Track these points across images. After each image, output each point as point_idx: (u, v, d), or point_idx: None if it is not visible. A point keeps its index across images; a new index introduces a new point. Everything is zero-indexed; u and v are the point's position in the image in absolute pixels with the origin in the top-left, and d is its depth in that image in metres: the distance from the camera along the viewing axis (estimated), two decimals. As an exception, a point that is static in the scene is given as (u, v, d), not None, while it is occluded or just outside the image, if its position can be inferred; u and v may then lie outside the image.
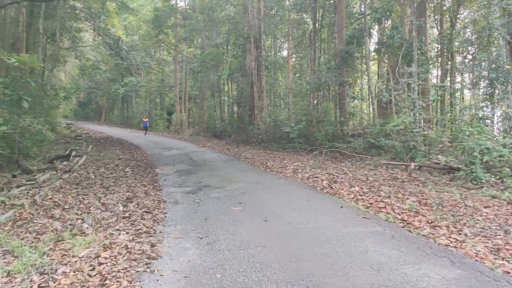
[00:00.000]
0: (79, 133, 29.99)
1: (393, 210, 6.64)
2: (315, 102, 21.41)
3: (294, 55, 35.03)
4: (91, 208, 7.44)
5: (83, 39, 39.63)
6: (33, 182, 10.09)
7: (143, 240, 5.21)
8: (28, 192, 9.09)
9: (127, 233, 5.58)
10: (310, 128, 18.80)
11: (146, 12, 38.66)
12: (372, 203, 7.15)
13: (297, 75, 35.49)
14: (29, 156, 15.42)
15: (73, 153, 16.87)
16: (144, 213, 6.81)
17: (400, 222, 5.84)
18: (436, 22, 24.00)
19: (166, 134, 34.07)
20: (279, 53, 33.93)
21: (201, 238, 5.27)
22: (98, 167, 13.37)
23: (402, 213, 6.43)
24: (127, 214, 6.70)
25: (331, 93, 21.13)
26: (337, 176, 10.77)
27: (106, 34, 21.22)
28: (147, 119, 36.31)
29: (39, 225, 6.41)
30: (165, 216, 6.62)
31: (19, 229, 6.19)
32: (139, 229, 5.77)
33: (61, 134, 26.45)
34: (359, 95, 20.89)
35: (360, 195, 7.92)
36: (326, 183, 9.34)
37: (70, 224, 6.34)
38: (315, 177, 10.33)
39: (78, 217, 6.75)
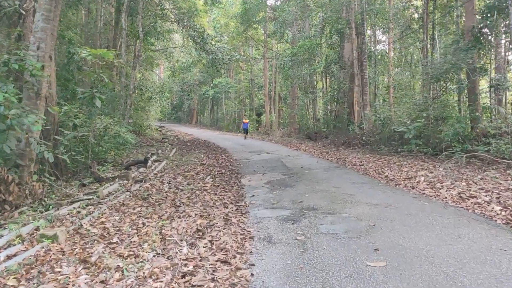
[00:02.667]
0: (167, 136, 28.99)
1: None
2: (433, 95, 17.49)
3: (394, 46, 30.88)
4: (146, 244, 5.00)
5: (172, 40, 39.40)
6: (91, 197, 8.06)
7: None
8: (79, 212, 7.01)
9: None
10: (430, 126, 15.04)
11: (235, 10, 36.94)
12: None
13: (397, 68, 31.27)
14: (106, 161, 13.92)
15: (153, 157, 15.10)
16: (218, 264, 4.15)
17: None
18: None
19: (255, 136, 31.93)
20: (378, 46, 29.87)
21: None
22: (176, 175, 11.21)
23: None
24: (190, 267, 4.07)
25: (454, 83, 17.08)
26: (499, 193, 7.27)
27: (190, 27, 19.41)
28: (247, 120, 30.02)
29: (60, 277, 4.07)
30: (252, 275, 3.87)
31: (24, 286, 3.89)
32: (203, 314, 3.09)
33: (148, 137, 25.49)
34: (498, 83, 16.49)
35: None
36: (505, 211, 5.93)
37: (102, 282, 3.89)
38: (472, 197, 6.93)
39: (120, 264, 4.30)
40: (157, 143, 21.99)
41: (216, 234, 5.22)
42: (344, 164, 12.48)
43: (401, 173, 10.14)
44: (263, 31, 36.08)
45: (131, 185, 9.80)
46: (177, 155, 16.80)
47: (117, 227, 6.04)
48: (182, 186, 9.40)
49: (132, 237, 5.43)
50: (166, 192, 8.82)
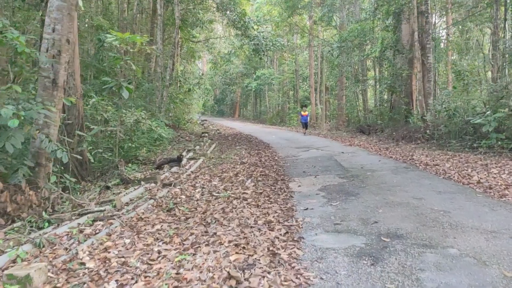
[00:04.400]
0: (207, 130, 27.61)
1: None
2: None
3: (454, 30, 27.78)
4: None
5: (214, 31, 38.04)
6: (104, 209, 6.48)
7: None
8: (82, 231, 5.43)
9: None
10: (514, 117, 12.48)
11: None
12: None
13: (456, 55, 28.14)
14: (137, 159, 12.52)
15: (189, 154, 13.55)
16: None
17: None
18: None
19: (301, 129, 29.89)
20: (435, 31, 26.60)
21: None
22: (212, 177, 9.52)
23: None
24: None
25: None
26: None
27: (230, 11, 17.65)
28: (306, 112, 24.29)
29: None
30: None
31: None
32: None
33: (187, 131, 24.13)
34: None
35: None
36: None
37: None
38: None
39: None
40: (196, 138, 20.53)
41: (258, 284, 3.40)
42: (414, 163, 10.29)
43: (494, 177, 7.91)
44: (308, 18, 33.85)
45: (157, 190, 8.19)
46: (216, 152, 15.20)
47: (122, 257, 4.37)
48: (217, 192, 7.67)
49: (137, 280, 3.73)
50: (197, 200, 7.13)
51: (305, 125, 24.19)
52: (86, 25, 15.35)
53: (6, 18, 9.20)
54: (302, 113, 24.51)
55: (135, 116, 13.02)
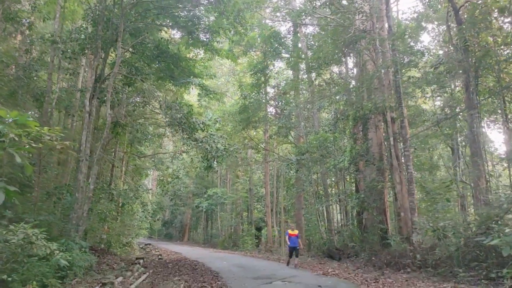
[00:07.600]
0: (146, 255, 23.07)
1: None
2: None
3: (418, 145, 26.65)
4: None
5: (163, 146, 35.67)
6: None
7: None
8: None
9: None
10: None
11: (233, 109, 33.26)
12: None
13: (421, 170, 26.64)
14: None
15: (100, 291, 9.35)
16: None
17: None
18: None
19: (256, 254, 25.87)
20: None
21: None
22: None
23: None
24: None
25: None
26: None
27: (171, 107, 14.88)
28: (296, 232, 15.57)
29: None
30: None
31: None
32: None
33: (118, 257, 19.54)
34: None
35: None
36: None
37: None
38: None
39: None
40: (126, 265, 16.09)
41: None
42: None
43: None
44: (263, 133, 32.26)
45: None
46: (145, 285, 11.04)
47: None
48: None
49: None
50: None
51: (296, 252, 15.18)
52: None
53: None
54: (290, 232, 15.45)
55: (23, 234, 8.99)
